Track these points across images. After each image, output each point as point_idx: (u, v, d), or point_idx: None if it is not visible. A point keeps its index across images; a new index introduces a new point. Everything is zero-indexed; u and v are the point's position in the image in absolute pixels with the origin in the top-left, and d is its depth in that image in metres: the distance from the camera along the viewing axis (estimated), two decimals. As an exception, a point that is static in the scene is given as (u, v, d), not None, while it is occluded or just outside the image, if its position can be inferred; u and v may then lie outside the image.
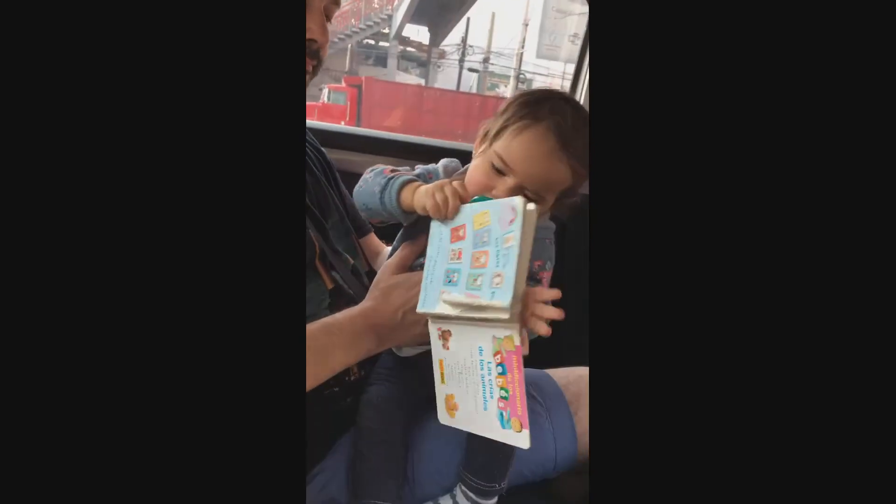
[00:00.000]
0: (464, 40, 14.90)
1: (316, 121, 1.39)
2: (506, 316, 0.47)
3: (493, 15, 15.40)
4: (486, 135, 0.63)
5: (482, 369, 0.52)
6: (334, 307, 0.71)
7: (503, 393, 0.51)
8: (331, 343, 0.62)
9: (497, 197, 0.56)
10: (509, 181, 0.58)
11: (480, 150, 0.63)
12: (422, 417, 0.72)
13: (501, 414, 0.51)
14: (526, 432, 0.50)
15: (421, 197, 0.58)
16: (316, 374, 0.62)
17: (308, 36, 0.68)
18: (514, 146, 0.58)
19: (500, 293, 0.47)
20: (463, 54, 14.78)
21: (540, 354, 0.60)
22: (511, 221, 0.49)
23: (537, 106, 0.59)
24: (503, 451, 0.64)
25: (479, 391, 0.52)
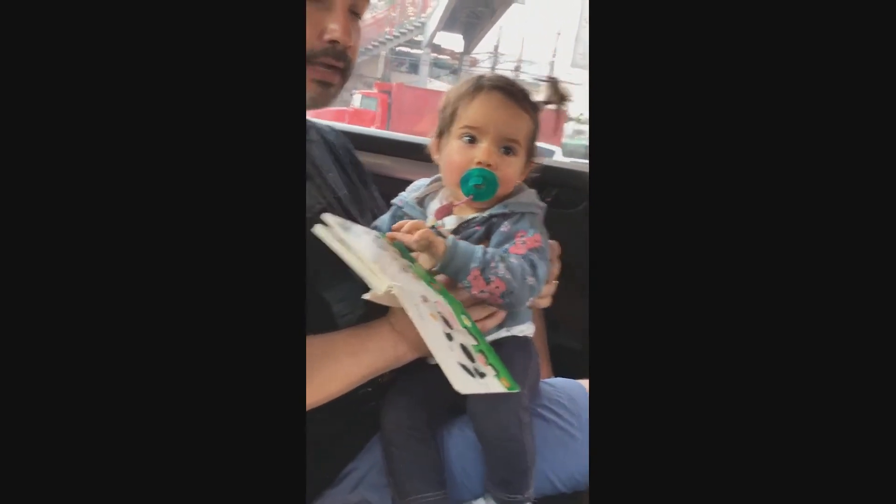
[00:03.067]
0: (496, 48, 14.96)
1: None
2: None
3: (526, 24, 15.42)
4: (439, 133, 0.70)
5: None
6: (370, 306, 0.71)
7: None
8: (362, 348, 0.63)
9: (482, 163, 0.63)
10: (483, 143, 0.65)
11: (442, 145, 0.69)
12: (448, 422, 0.71)
13: None
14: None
15: None
16: (348, 377, 0.63)
17: (329, 37, 0.66)
18: (472, 111, 0.66)
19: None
20: (494, 62, 14.83)
21: (574, 365, 0.59)
22: None
23: (475, 81, 0.68)
24: (519, 464, 0.64)
25: None
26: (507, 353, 0.67)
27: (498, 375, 0.54)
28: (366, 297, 0.55)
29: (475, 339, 0.58)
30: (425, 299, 0.56)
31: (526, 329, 0.73)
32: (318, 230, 0.57)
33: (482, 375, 0.52)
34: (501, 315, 0.67)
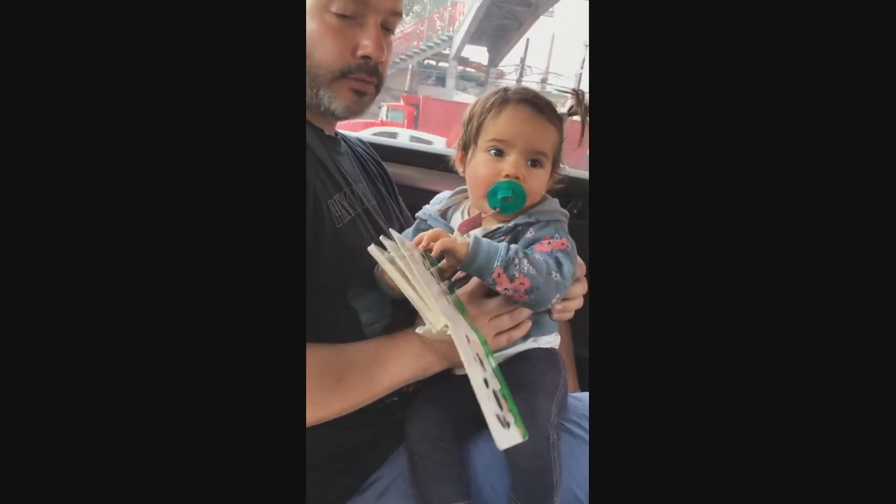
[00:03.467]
0: (522, 61, 14.99)
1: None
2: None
3: (553, 36, 15.42)
4: (464, 146, 0.70)
5: None
6: (396, 316, 0.72)
7: None
8: (390, 357, 0.64)
9: (510, 176, 0.63)
10: (511, 156, 0.65)
11: (468, 158, 0.70)
12: (474, 435, 0.71)
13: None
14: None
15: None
16: (375, 386, 0.63)
17: (361, 53, 0.69)
18: (500, 124, 0.66)
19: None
20: (521, 74, 14.85)
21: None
22: None
23: (500, 94, 0.68)
24: (546, 481, 0.63)
25: None
26: (537, 366, 0.67)
27: (516, 422, 0.53)
28: (419, 331, 0.56)
29: (499, 381, 0.57)
30: (468, 339, 0.55)
31: (552, 340, 0.72)
32: (374, 252, 0.57)
33: (508, 425, 0.52)
34: (527, 326, 0.67)
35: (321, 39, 0.68)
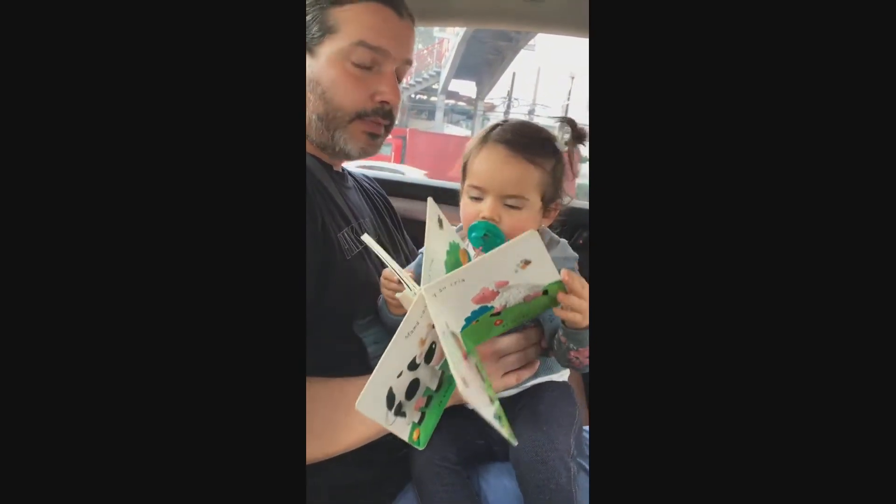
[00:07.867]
0: (509, 94, 15.34)
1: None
2: None
3: (539, 69, 15.86)
4: (462, 179, 0.72)
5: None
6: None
7: None
8: None
9: (486, 218, 0.65)
10: (488, 200, 0.66)
11: (462, 193, 0.72)
12: (483, 470, 0.70)
13: None
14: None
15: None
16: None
17: (380, 98, 0.74)
18: (475, 170, 0.68)
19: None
20: (508, 107, 15.18)
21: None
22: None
23: (485, 133, 0.70)
24: None
25: None
26: (552, 399, 0.66)
27: (415, 425, 0.55)
28: (398, 296, 0.58)
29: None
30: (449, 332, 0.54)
31: (564, 374, 0.72)
32: (368, 240, 0.60)
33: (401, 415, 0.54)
34: (536, 365, 0.67)
35: (342, 86, 0.71)
